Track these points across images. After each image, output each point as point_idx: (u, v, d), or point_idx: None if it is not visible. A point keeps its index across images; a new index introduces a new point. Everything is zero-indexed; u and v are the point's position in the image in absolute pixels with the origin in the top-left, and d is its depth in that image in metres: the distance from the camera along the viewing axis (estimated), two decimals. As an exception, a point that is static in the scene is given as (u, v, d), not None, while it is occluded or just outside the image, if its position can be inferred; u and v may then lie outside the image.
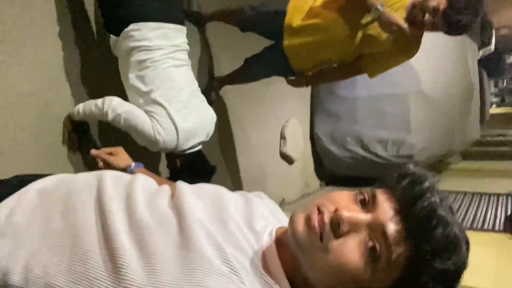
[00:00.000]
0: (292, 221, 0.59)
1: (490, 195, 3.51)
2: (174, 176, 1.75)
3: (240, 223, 0.64)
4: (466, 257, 0.55)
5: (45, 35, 1.63)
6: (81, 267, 0.54)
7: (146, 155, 1.67)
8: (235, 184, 2.90)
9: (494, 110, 10.32)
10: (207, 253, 0.54)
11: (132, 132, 1.54)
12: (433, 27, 1.63)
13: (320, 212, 0.57)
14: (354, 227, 0.55)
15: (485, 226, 2.74)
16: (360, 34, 1.75)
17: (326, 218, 0.56)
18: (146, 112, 1.52)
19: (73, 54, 1.73)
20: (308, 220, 0.56)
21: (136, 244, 0.56)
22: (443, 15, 1.56)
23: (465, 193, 3.59)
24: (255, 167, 3.12)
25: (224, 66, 2.65)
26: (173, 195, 0.70)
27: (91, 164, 1.13)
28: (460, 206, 3.24)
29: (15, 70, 1.52)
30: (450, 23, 1.57)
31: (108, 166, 1.07)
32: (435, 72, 3.49)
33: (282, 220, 0.75)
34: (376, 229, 0.55)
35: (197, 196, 0.70)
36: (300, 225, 0.57)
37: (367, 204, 0.58)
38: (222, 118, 2.76)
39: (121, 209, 0.63)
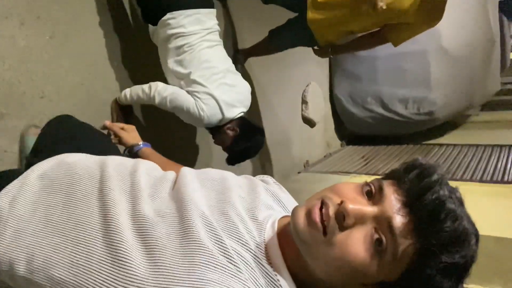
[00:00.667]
0: (294, 215, 0.58)
1: (510, 146, 3.54)
2: (229, 151, 1.88)
3: (242, 214, 0.64)
4: (476, 251, 0.54)
5: (89, 27, 1.75)
6: (84, 261, 0.56)
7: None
8: (262, 149, 3.04)
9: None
10: (207, 246, 0.55)
11: (178, 112, 1.68)
12: None
13: (324, 204, 0.56)
14: (360, 220, 0.54)
15: (506, 178, 2.82)
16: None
17: (331, 211, 0.55)
18: (188, 92, 1.64)
19: (115, 43, 1.85)
20: (309, 214, 0.56)
21: (139, 238, 0.57)
22: None
23: (485, 146, 3.63)
24: (279, 132, 3.25)
25: (248, 38, 2.71)
26: (176, 181, 0.71)
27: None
28: (480, 159, 3.31)
29: (65, 62, 1.66)
30: None
31: (119, 140, 1.13)
32: (455, 27, 3.43)
33: (287, 206, 0.76)
34: (382, 221, 0.54)
35: (201, 183, 0.71)
36: (301, 220, 0.56)
37: (373, 196, 0.57)
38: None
39: (124, 200, 0.64)
